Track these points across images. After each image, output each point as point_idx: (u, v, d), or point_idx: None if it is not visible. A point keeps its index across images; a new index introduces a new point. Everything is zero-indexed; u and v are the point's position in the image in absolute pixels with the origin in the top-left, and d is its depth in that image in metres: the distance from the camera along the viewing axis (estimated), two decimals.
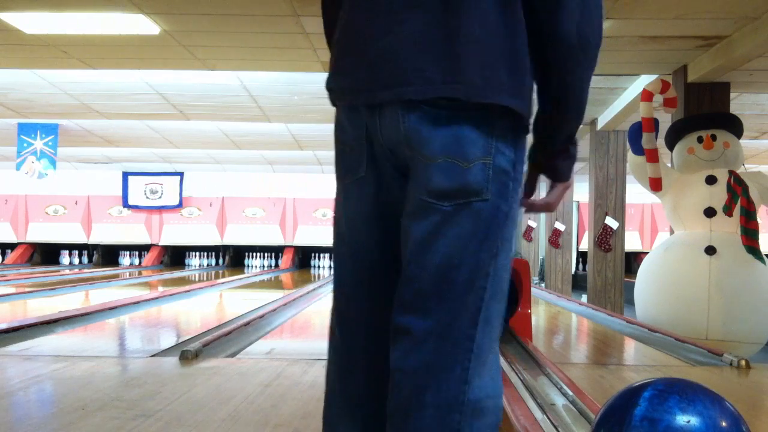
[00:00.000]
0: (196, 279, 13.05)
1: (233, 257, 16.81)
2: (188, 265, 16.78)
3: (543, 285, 13.20)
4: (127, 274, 14.21)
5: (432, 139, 1.27)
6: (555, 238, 12.74)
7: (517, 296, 4.18)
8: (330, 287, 1.69)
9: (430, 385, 1.26)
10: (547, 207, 1.50)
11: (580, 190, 12.74)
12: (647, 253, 6.97)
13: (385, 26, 1.30)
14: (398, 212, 1.35)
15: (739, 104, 8.03)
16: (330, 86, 1.44)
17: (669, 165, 6.17)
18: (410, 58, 1.27)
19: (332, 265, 1.48)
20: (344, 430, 1.42)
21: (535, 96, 1.39)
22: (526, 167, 1.43)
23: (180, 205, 16.38)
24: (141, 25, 5.72)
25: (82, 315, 6.05)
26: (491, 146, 1.29)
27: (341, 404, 1.43)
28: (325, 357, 1.52)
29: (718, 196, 5.52)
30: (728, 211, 5.33)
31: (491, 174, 1.28)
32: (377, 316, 1.38)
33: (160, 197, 16.33)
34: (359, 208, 1.39)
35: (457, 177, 1.27)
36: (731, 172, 5.45)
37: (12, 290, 9.56)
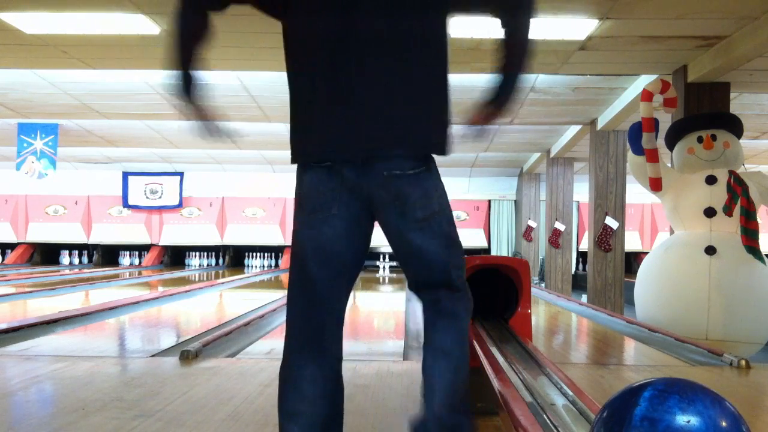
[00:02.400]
0: (196, 279, 13.05)
1: (233, 257, 16.81)
2: (188, 265, 16.78)
3: (543, 285, 13.20)
4: (127, 274, 14.21)
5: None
6: (555, 238, 12.74)
7: (517, 296, 4.18)
8: None
9: (460, 292, 2.09)
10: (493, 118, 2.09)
11: (580, 190, 12.74)
12: (647, 253, 6.97)
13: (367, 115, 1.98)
14: (360, 233, 2.05)
15: (739, 104, 8.03)
16: (319, 151, 2.05)
17: (669, 165, 6.17)
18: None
19: (304, 259, 2.04)
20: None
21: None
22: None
23: (180, 205, 16.38)
24: (141, 25, 5.72)
25: (82, 315, 6.06)
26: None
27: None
28: None
29: (718, 196, 5.52)
30: (728, 211, 5.32)
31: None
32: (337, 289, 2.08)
33: (160, 197, 16.33)
34: (333, 231, 2.01)
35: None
36: (731, 172, 5.45)
37: (12, 290, 9.56)
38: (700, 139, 5.79)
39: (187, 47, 2.09)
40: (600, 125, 9.34)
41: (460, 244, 2.11)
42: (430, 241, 2.02)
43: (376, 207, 2.02)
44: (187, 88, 2.14)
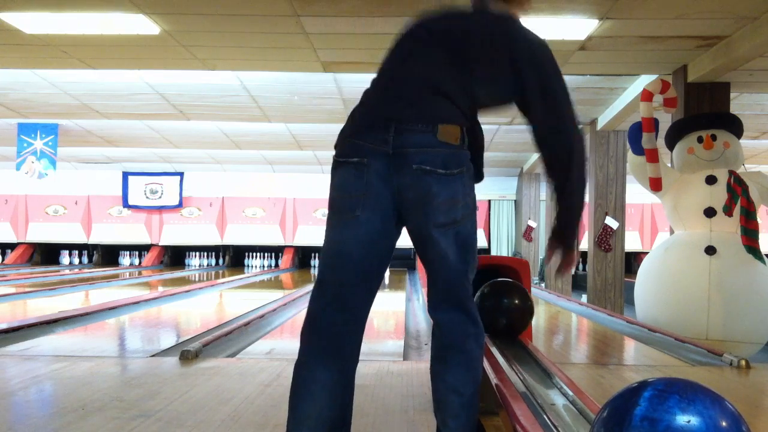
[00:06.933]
0: (196, 279, 13.05)
1: (233, 257, 16.80)
2: (188, 265, 16.78)
3: (543, 285, 13.20)
4: (127, 274, 14.21)
5: (440, 193, 2.02)
6: None
7: None
8: None
9: (470, 318, 2.09)
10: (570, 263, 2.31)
11: None
12: (647, 253, 6.97)
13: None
14: (384, 237, 2.06)
15: (739, 104, 8.03)
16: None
17: (669, 165, 6.17)
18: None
19: (326, 263, 2.09)
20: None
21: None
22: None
23: (180, 205, 16.37)
24: (141, 25, 5.72)
25: (82, 315, 6.05)
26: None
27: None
28: None
29: (718, 196, 5.52)
30: (728, 211, 5.32)
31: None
32: (364, 292, 2.10)
33: (160, 197, 16.33)
34: (353, 236, 2.03)
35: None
36: (731, 172, 5.45)
37: (12, 290, 9.56)
38: (700, 139, 5.79)
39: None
40: (600, 125, 9.34)
41: (475, 258, 2.13)
42: (450, 247, 2.04)
43: (404, 203, 2.02)
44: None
